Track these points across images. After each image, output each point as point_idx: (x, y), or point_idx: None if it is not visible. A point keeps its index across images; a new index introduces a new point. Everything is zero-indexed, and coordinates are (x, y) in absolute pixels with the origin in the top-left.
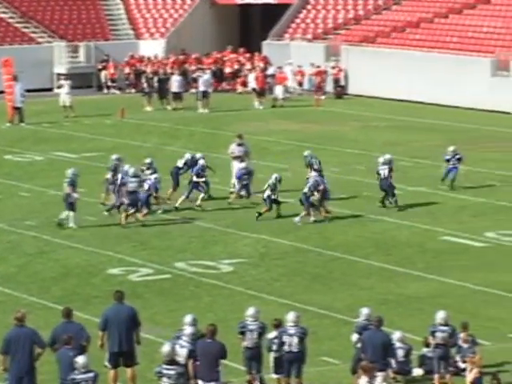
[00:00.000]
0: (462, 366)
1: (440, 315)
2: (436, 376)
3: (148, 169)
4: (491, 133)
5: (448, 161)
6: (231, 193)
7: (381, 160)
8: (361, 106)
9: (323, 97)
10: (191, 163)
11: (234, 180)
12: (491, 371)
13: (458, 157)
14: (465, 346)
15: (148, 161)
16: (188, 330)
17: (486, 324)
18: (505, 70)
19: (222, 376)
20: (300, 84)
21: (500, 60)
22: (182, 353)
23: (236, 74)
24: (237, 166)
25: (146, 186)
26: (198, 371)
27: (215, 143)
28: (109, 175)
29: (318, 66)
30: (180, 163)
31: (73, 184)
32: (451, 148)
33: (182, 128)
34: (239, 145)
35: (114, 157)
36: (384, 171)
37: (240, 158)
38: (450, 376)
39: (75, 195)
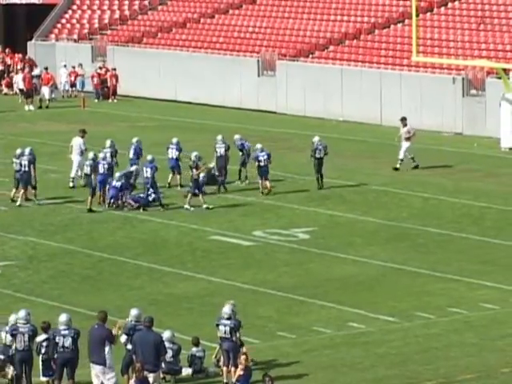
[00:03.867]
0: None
1: (225, 310)
2: (224, 369)
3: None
4: (258, 132)
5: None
6: (72, 187)
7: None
8: (128, 107)
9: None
10: None
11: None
12: (262, 368)
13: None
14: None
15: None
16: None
17: (254, 322)
18: (270, 69)
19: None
20: (73, 85)
21: (265, 60)
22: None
23: (1, 75)
24: (77, 159)
25: None
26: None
27: None
28: None
29: (106, 68)
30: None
31: None
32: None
33: None
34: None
35: None
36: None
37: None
38: (234, 369)
39: None
